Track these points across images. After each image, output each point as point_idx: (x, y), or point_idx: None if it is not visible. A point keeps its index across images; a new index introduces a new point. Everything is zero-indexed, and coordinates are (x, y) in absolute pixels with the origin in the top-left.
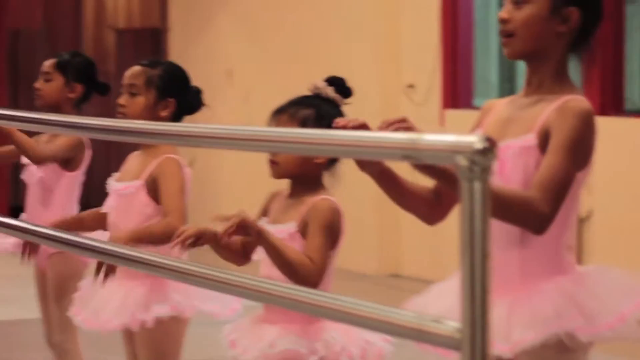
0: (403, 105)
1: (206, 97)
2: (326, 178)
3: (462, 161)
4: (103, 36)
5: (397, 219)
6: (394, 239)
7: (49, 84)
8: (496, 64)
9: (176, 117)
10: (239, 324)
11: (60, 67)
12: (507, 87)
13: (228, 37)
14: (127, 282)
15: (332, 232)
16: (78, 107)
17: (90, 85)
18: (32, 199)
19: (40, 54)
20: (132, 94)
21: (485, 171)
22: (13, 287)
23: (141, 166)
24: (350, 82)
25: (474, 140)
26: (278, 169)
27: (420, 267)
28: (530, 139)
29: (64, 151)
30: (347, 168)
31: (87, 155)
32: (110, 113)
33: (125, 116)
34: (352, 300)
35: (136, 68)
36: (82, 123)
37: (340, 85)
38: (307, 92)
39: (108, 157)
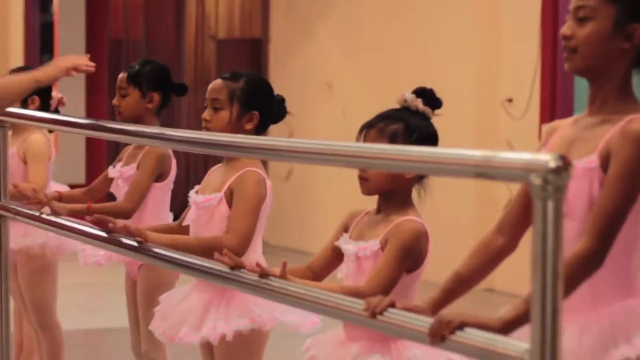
0: (501, 120)
1: (305, 108)
2: (415, 193)
3: (536, 180)
4: (204, 46)
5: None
6: None
7: (126, 100)
8: None
9: (261, 128)
10: (319, 338)
11: (133, 79)
12: None
13: (328, 49)
14: (207, 295)
15: (408, 255)
16: (159, 114)
17: (167, 90)
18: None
19: None
20: (216, 109)
21: (559, 190)
22: (106, 295)
23: (223, 179)
24: (449, 96)
25: (548, 158)
26: (368, 185)
27: (514, 282)
28: (593, 160)
29: (148, 183)
30: (443, 182)
31: (174, 164)
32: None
33: (209, 131)
34: (420, 318)
35: (218, 82)
36: (171, 135)
37: (429, 97)
38: (396, 105)
39: (196, 167)
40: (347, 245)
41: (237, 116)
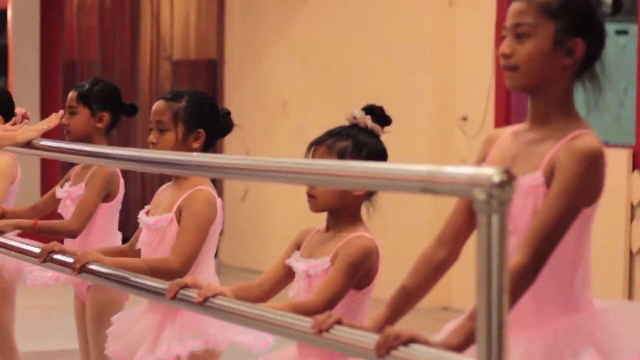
0: (456, 138)
1: (261, 128)
2: (364, 210)
3: (480, 194)
4: (159, 67)
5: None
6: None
7: (75, 118)
8: None
9: (208, 144)
10: (270, 356)
11: (83, 98)
12: None
13: (283, 69)
14: (160, 316)
15: (356, 271)
16: (108, 133)
17: (117, 110)
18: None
19: None
20: (161, 130)
21: (503, 205)
22: (55, 317)
23: (172, 198)
24: (405, 114)
25: (492, 173)
26: (316, 203)
27: (471, 300)
28: (538, 177)
29: (95, 203)
30: (402, 200)
31: (122, 184)
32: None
33: None
34: (367, 335)
35: (160, 103)
36: (116, 154)
37: (378, 114)
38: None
39: (152, 186)
40: (298, 264)
41: (183, 136)
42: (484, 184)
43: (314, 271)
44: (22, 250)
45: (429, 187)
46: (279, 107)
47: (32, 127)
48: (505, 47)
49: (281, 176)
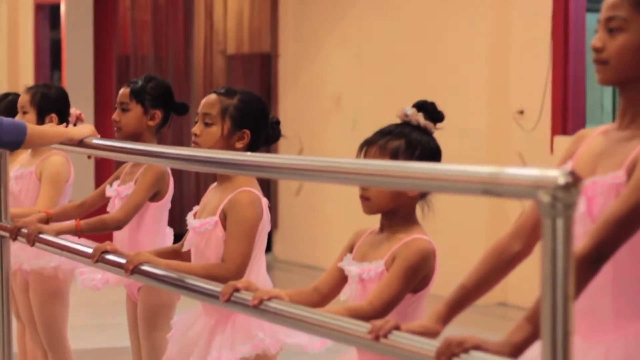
0: (512, 132)
1: (314, 123)
2: (419, 210)
3: (544, 197)
4: (213, 61)
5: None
6: None
7: (127, 115)
8: (610, 90)
9: (251, 148)
10: None
11: (136, 95)
12: None
13: (337, 63)
14: (212, 321)
15: (415, 275)
16: (158, 132)
17: (169, 109)
18: (120, 232)
19: None
20: (207, 124)
21: (569, 208)
22: (111, 315)
23: (217, 201)
24: (460, 108)
25: (557, 175)
26: (370, 205)
27: (527, 296)
28: (620, 175)
29: (143, 199)
30: (455, 198)
31: (171, 183)
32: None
33: (198, 146)
34: (427, 341)
35: (212, 97)
36: (169, 153)
37: (430, 111)
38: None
39: (205, 185)
40: (350, 267)
41: (228, 133)
42: (548, 186)
43: (368, 275)
44: (75, 251)
45: (491, 189)
46: (333, 101)
47: (86, 125)
48: (596, 41)
49: (338, 177)
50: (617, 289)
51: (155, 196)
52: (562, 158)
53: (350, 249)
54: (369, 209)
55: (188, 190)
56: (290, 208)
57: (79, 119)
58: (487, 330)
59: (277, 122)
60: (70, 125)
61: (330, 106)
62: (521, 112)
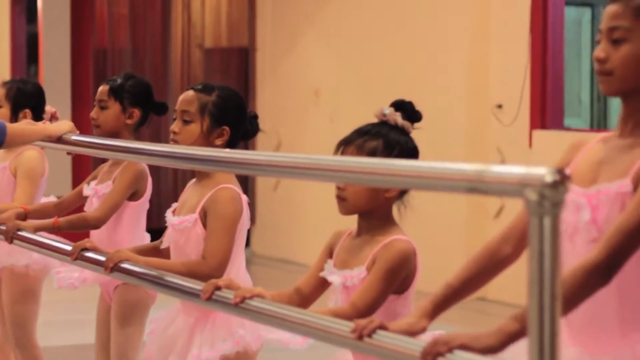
0: (491, 126)
1: (293, 116)
2: (395, 210)
3: (532, 195)
4: (190, 55)
5: (485, 240)
6: None
7: (105, 112)
8: (588, 84)
9: (230, 145)
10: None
11: (115, 93)
12: (599, 107)
13: (315, 56)
14: (192, 319)
15: (396, 276)
16: (136, 131)
17: (148, 107)
18: (98, 232)
19: None
20: (185, 121)
21: (556, 206)
22: (86, 311)
23: (197, 198)
24: (439, 103)
25: (544, 172)
26: (346, 205)
27: (507, 291)
28: (626, 184)
29: (122, 197)
30: (434, 193)
31: (149, 183)
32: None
33: (177, 144)
34: (411, 341)
35: (189, 93)
36: (148, 150)
37: (408, 110)
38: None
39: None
40: (333, 276)
41: (208, 130)
42: (535, 184)
43: (351, 282)
44: (53, 248)
45: (477, 186)
46: (311, 95)
47: (65, 122)
48: (600, 52)
49: (320, 174)
50: (622, 297)
51: (134, 195)
52: (559, 164)
53: (329, 252)
54: (346, 210)
55: (166, 187)
56: (268, 203)
57: (53, 117)
58: (466, 325)
59: (255, 117)
60: (47, 122)
61: (308, 100)
62: (500, 106)
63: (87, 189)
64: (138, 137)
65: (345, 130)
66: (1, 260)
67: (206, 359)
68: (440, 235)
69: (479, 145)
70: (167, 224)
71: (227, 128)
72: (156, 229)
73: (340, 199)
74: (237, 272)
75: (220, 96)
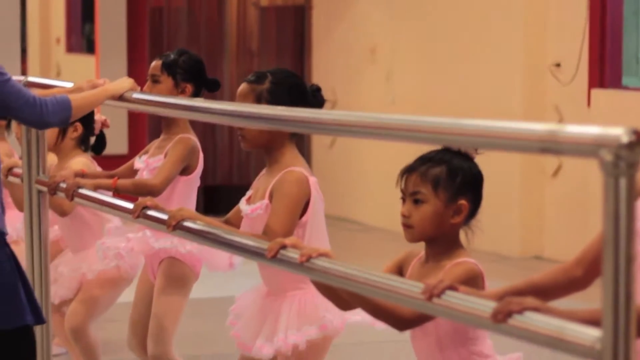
0: (549, 85)
1: (348, 75)
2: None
3: (607, 156)
4: (246, 14)
5: (540, 201)
6: (537, 221)
7: (158, 87)
8: None
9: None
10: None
11: (168, 68)
12: None
13: (371, 14)
14: (275, 303)
15: None
16: None
17: (200, 84)
18: None
19: (182, 32)
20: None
21: (632, 167)
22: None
23: (266, 185)
24: (495, 62)
25: (620, 133)
26: (413, 232)
27: (563, 249)
28: None
29: (176, 169)
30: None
31: (201, 159)
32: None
33: (244, 139)
34: (482, 302)
35: (244, 87)
36: (210, 108)
37: None
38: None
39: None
40: None
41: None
42: (611, 144)
43: None
44: (114, 206)
45: (550, 147)
46: (367, 53)
47: (125, 79)
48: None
49: (387, 134)
50: None
51: (185, 170)
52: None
53: (398, 269)
54: (412, 237)
55: (221, 145)
56: (323, 161)
57: (104, 125)
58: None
59: (318, 90)
60: (107, 81)
61: (364, 58)
62: (558, 65)
63: (139, 161)
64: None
65: (400, 89)
66: (90, 270)
67: (293, 343)
68: (494, 195)
69: (536, 104)
70: (242, 214)
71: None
72: (211, 185)
73: (407, 226)
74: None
75: (273, 82)
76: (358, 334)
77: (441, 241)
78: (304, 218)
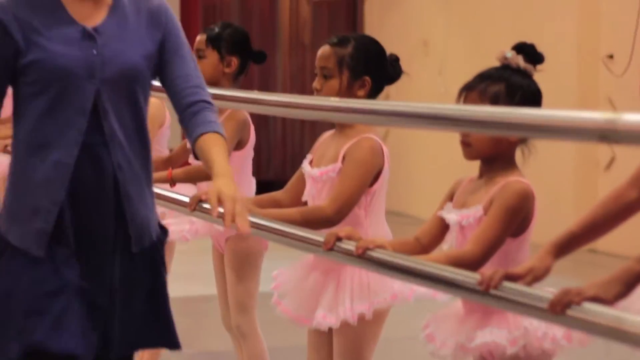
0: (601, 76)
1: (401, 67)
2: (519, 154)
3: None
4: (298, 8)
5: (594, 194)
6: None
7: (203, 62)
8: None
9: (375, 92)
10: (438, 316)
11: (212, 41)
12: None
13: (424, 7)
14: (335, 274)
15: (514, 217)
16: (236, 80)
17: (246, 56)
18: (203, 183)
19: None
20: (326, 77)
21: None
22: (196, 262)
23: (337, 148)
24: (549, 53)
25: None
26: (471, 151)
27: (617, 242)
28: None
29: (230, 145)
30: (543, 147)
31: (252, 131)
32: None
33: None
34: (539, 293)
35: (326, 48)
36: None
37: (530, 53)
38: (494, 63)
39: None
40: (450, 215)
41: (348, 83)
42: None
43: (467, 221)
44: (171, 200)
45: (609, 135)
46: (420, 46)
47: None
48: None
49: (447, 123)
50: None
51: (238, 145)
52: None
53: (451, 198)
54: (470, 155)
55: (275, 139)
56: None
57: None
58: (577, 277)
59: (397, 60)
60: None
61: (417, 51)
62: (611, 57)
63: None
64: (237, 87)
65: (454, 81)
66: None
67: (360, 313)
68: (548, 188)
69: (589, 95)
70: (304, 174)
71: (367, 78)
72: (265, 180)
73: (465, 144)
74: (376, 228)
75: (356, 47)
76: None
77: (497, 159)
78: (374, 186)
